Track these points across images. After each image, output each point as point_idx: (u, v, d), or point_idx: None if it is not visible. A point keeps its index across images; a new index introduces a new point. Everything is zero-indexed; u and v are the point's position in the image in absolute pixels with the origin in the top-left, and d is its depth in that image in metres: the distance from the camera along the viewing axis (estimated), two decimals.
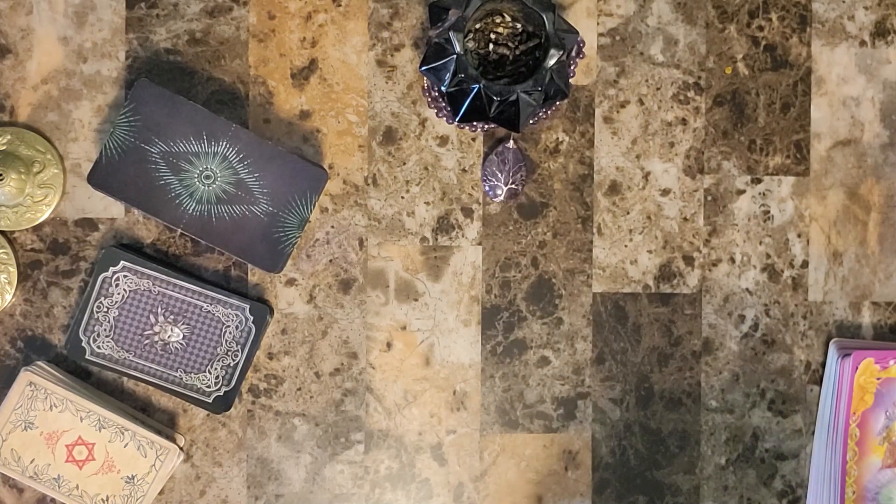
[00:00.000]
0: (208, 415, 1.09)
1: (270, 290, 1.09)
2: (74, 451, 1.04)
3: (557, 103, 1.09)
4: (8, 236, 1.07)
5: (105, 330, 1.05)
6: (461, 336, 1.10)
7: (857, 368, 1.08)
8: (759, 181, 1.12)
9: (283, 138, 1.09)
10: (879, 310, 1.13)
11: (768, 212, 1.12)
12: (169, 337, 1.06)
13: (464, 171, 1.10)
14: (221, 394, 1.06)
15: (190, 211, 1.04)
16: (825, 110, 1.12)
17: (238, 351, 1.06)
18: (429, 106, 1.09)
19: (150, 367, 1.06)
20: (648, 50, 1.11)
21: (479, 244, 1.10)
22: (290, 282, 1.09)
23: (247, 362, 1.06)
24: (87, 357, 1.05)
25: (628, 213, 1.11)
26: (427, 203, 1.10)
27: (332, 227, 1.09)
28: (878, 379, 1.09)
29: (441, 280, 1.10)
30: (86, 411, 1.04)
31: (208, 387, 1.06)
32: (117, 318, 1.05)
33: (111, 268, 1.05)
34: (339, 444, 1.10)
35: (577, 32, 1.03)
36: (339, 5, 1.09)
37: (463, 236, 1.10)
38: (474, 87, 1.00)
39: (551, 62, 1.01)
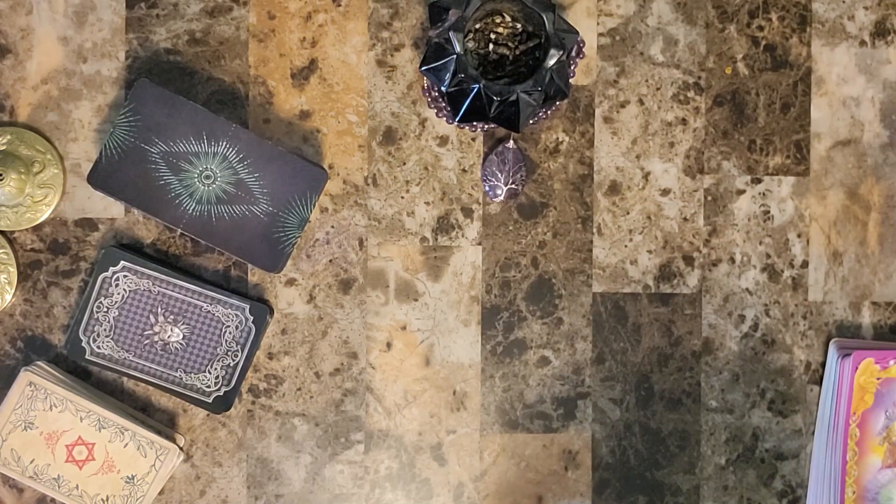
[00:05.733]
0: (208, 415, 1.09)
1: (270, 290, 1.09)
2: (74, 451, 1.04)
3: (557, 103, 1.09)
4: (8, 236, 1.07)
5: (105, 330, 1.05)
6: (461, 336, 1.10)
7: (857, 368, 1.08)
8: (759, 181, 1.12)
9: (283, 138, 1.09)
10: (879, 310, 1.13)
11: (768, 212, 1.12)
12: (169, 337, 1.06)
13: (464, 171, 1.10)
14: (221, 394, 1.06)
15: (190, 211, 1.04)
16: (825, 110, 1.12)
17: (238, 351, 1.06)
18: (429, 106, 1.09)
19: (150, 367, 1.06)
20: (648, 50, 1.11)
21: (479, 244, 1.10)
22: (290, 282, 1.09)
23: (247, 362, 1.06)
24: (87, 357, 1.05)
25: (628, 213, 1.11)
26: (427, 203, 1.10)
27: (332, 227, 1.09)
28: (878, 379, 1.09)
29: (441, 280, 1.10)
30: (86, 411, 1.04)
31: (208, 387, 1.06)
32: (117, 318, 1.05)
33: (111, 268, 1.05)
34: (339, 444, 1.10)
35: (577, 32, 1.03)
36: (339, 5, 1.09)
37: (463, 236, 1.10)
38: (474, 87, 1.00)
39: (551, 62, 1.01)
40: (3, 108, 1.07)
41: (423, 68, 1.02)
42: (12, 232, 1.08)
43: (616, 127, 1.11)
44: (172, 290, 1.05)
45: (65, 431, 1.04)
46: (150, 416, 1.08)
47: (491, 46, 1.06)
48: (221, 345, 1.06)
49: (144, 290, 1.05)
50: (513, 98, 1.01)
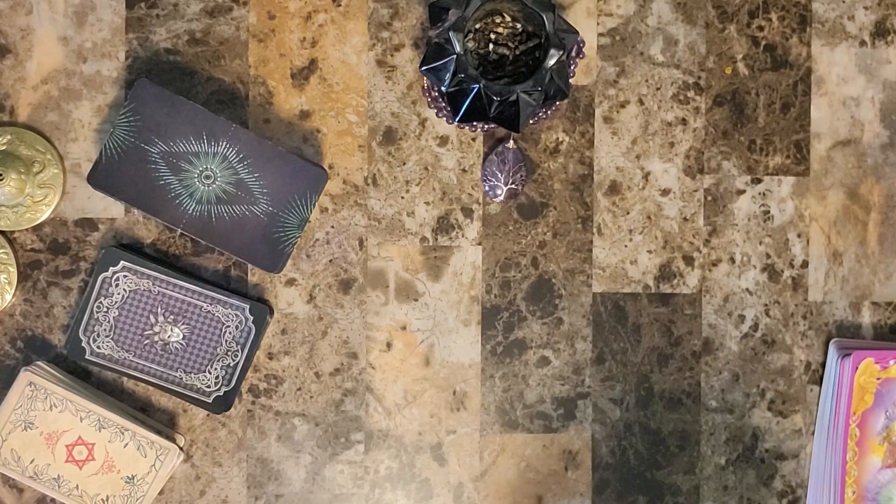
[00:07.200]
0: (208, 415, 1.09)
1: (270, 290, 1.09)
2: (74, 451, 1.04)
3: (557, 103, 1.09)
4: (8, 236, 1.07)
5: (105, 330, 1.05)
6: (461, 336, 1.10)
7: (857, 368, 1.08)
8: (759, 181, 1.12)
9: (283, 138, 1.09)
10: (879, 310, 1.13)
11: (768, 212, 1.12)
12: (169, 337, 1.06)
13: (464, 171, 1.10)
14: (221, 394, 1.06)
15: (190, 211, 1.04)
16: (825, 110, 1.12)
17: (238, 351, 1.06)
18: (429, 106, 1.09)
19: (150, 367, 1.06)
20: (648, 50, 1.11)
21: (479, 244, 1.10)
22: (290, 282, 1.09)
23: (247, 362, 1.06)
24: (87, 357, 1.05)
25: (628, 213, 1.11)
26: (427, 203, 1.10)
27: (332, 227, 1.09)
28: (878, 379, 1.09)
29: (441, 280, 1.10)
30: (86, 411, 1.04)
31: (208, 387, 1.06)
32: (117, 318, 1.05)
33: (111, 268, 1.05)
34: (339, 444, 1.10)
35: (577, 32, 1.03)
36: (339, 5, 1.09)
37: (463, 236, 1.10)
38: (474, 87, 1.00)
39: (551, 62, 1.01)
40: (3, 108, 1.07)
41: (423, 68, 1.02)
42: (12, 232, 1.08)
43: (616, 127, 1.11)
44: (172, 290, 1.05)
45: (65, 431, 1.04)
46: (150, 416, 1.08)
47: (491, 46, 1.06)
48: (221, 345, 1.06)
49: (144, 290, 1.05)
50: (513, 98, 1.01)
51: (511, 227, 1.10)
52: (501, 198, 1.09)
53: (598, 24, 1.11)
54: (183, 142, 1.04)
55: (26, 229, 1.07)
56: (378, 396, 1.10)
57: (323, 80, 1.09)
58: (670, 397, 1.11)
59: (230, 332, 1.06)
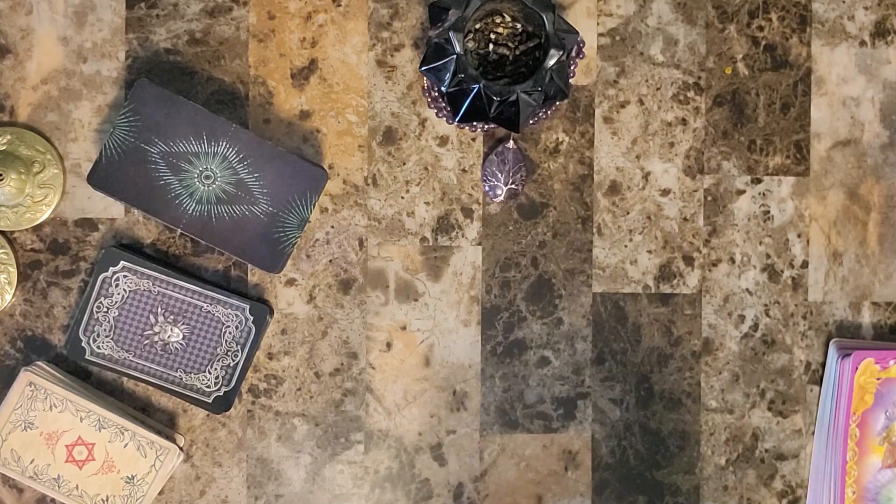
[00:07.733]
0: (208, 415, 1.09)
1: (270, 290, 1.09)
2: (74, 451, 1.04)
3: (557, 103, 1.09)
4: (8, 236, 1.07)
5: (105, 330, 1.05)
6: (461, 336, 1.10)
7: (857, 368, 1.08)
8: (759, 181, 1.12)
9: (283, 138, 1.09)
10: (879, 310, 1.13)
11: (768, 212, 1.12)
12: (169, 337, 1.06)
13: (464, 171, 1.10)
14: (221, 394, 1.06)
15: (190, 211, 1.04)
16: (825, 110, 1.12)
17: (238, 351, 1.06)
18: (429, 106, 1.09)
19: (150, 367, 1.06)
20: (648, 50, 1.11)
21: (479, 244, 1.10)
22: (290, 282, 1.09)
23: (247, 362, 1.06)
24: (87, 357, 1.05)
25: (628, 213, 1.11)
26: (427, 203, 1.10)
27: (332, 227, 1.09)
28: (878, 379, 1.09)
29: (441, 280, 1.10)
30: (86, 411, 1.04)
31: (208, 387, 1.06)
32: (117, 319, 1.05)
33: (111, 268, 1.05)
34: (339, 444, 1.10)
35: (577, 32, 1.03)
36: (339, 5, 1.09)
37: (463, 236, 1.10)
38: (474, 87, 1.00)
39: (551, 62, 1.01)
40: (3, 108, 1.07)
41: (423, 68, 1.02)
42: (12, 232, 1.08)
43: (616, 127, 1.11)
44: (172, 290, 1.05)
45: (65, 431, 1.04)
46: (150, 416, 1.08)
47: (491, 46, 1.06)
48: (221, 345, 1.06)
49: (144, 290, 1.05)
50: (513, 98, 1.01)
51: (511, 227, 1.10)
52: (501, 198, 1.09)
53: (598, 24, 1.11)
54: (183, 142, 1.04)
55: (26, 229, 1.07)
56: (378, 396, 1.10)
57: (323, 80, 1.09)
58: (670, 397, 1.11)
59: (230, 332, 1.06)
